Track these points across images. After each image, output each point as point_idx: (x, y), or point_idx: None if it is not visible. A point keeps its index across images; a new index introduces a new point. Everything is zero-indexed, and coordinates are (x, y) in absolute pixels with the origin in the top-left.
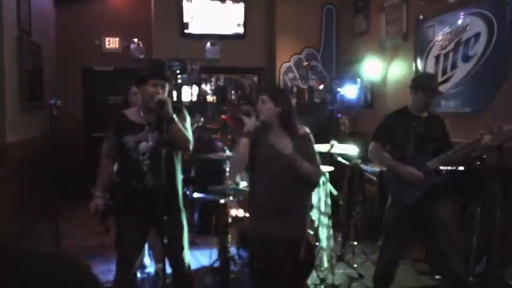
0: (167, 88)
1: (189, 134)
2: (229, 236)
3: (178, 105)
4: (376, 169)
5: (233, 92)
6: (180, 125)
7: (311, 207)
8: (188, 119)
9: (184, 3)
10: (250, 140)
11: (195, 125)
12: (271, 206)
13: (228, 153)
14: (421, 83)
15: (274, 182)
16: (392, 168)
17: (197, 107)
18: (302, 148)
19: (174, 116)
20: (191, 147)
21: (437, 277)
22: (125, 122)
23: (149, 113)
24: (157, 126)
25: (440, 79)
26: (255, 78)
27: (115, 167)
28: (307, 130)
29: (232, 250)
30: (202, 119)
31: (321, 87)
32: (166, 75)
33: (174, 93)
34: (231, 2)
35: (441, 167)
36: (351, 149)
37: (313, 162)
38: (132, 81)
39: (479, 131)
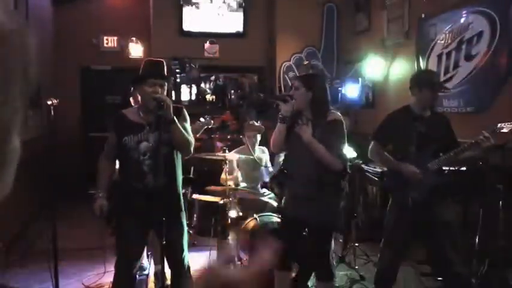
0: (166, 88)
1: (190, 135)
2: (229, 237)
3: (179, 106)
4: (378, 169)
5: (233, 91)
6: (181, 127)
7: (343, 196)
8: (188, 119)
9: (184, 2)
10: (286, 125)
11: (205, 127)
12: (301, 191)
13: (227, 154)
14: (426, 80)
15: (304, 168)
16: (392, 167)
17: (196, 107)
18: (327, 134)
19: (175, 118)
20: (192, 149)
21: (439, 279)
22: (125, 122)
23: (149, 113)
24: (158, 126)
25: (442, 78)
26: (255, 78)
27: (116, 167)
28: (338, 116)
29: (232, 252)
30: (212, 122)
31: None
32: (164, 74)
33: (173, 93)
34: (231, 0)
35: (444, 167)
36: (349, 152)
37: (333, 150)
38: (131, 80)
39: (482, 132)
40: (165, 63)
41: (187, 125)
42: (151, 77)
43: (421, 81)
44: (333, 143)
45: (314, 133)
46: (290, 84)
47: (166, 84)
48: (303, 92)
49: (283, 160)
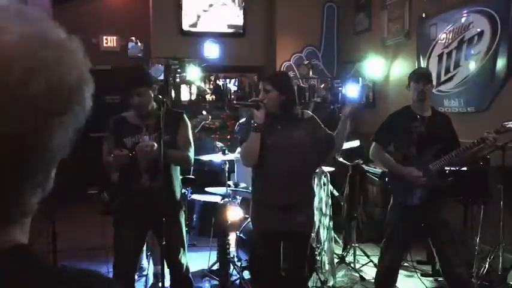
0: (150, 93)
1: (190, 144)
2: (229, 238)
3: (179, 111)
4: (378, 170)
5: (233, 91)
6: (173, 152)
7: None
8: (189, 125)
9: (184, 2)
10: (261, 134)
11: (202, 123)
12: (281, 197)
13: (227, 154)
14: (411, 74)
15: (284, 173)
16: (393, 169)
17: (196, 107)
18: (316, 128)
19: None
20: (192, 161)
21: (440, 279)
22: (124, 124)
23: (143, 118)
24: (155, 128)
25: (443, 78)
26: (255, 77)
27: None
28: (310, 112)
29: (232, 252)
30: (210, 117)
31: (322, 86)
32: (143, 81)
33: (173, 93)
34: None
35: (445, 167)
36: (353, 143)
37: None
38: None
39: (485, 132)
40: (142, 68)
41: (188, 131)
42: (131, 85)
43: (409, 77)
44: (327, 132)
45: (293, 133)
46: (260, 86)
47: (145, 89)
48: (276, 95)
49: (254, 170)
